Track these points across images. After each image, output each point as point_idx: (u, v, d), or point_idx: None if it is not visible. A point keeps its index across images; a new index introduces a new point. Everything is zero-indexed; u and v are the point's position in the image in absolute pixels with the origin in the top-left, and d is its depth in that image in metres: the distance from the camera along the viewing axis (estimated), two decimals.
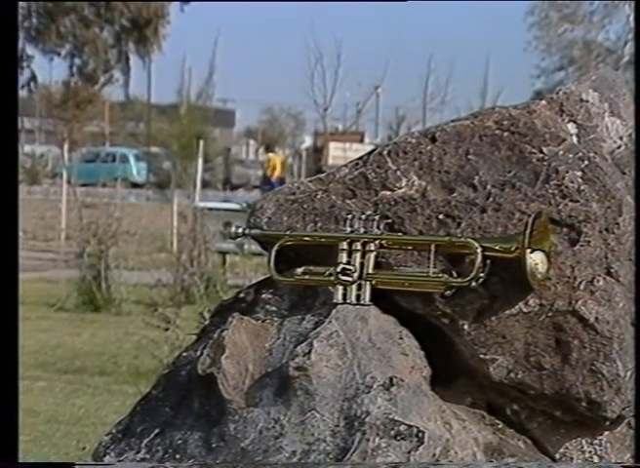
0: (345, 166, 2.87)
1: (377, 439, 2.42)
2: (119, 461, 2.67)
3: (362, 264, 2.63)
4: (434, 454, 2.45)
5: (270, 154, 32.53)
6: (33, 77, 44.16)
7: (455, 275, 2.60)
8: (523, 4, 52.32)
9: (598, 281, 2.61)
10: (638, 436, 2.66)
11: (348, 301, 2.62)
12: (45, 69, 45.42)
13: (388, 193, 2.74)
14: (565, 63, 50.76)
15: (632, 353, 2.62)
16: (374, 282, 2.63)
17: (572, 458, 2.68)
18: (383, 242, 2.65)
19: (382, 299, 2.64)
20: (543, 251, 2.57)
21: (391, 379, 2.50)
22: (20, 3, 40.59)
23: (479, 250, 2.55)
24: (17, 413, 2.99)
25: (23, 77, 43.31)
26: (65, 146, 33.89)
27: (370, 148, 3.02)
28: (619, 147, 2.87)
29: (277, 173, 30.84)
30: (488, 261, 2.56)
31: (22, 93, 46.07)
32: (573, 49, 51.70)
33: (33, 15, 40.69)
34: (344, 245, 2.65)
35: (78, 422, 7.72)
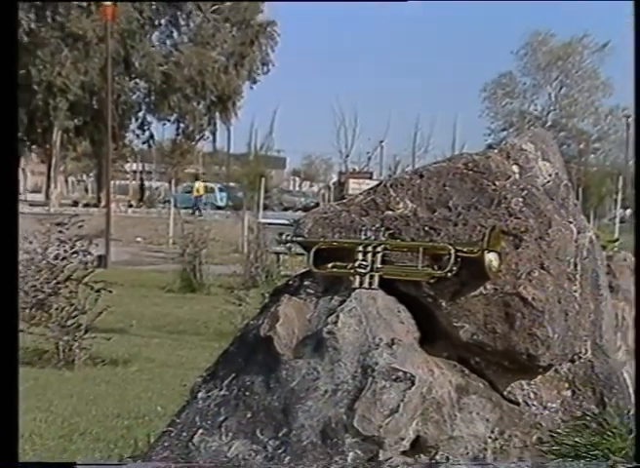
0: (361, 194, 2.84)
1: (382, 381, 2.39)
2: (207, 396, 2.65)
3: (372, 261, 2.60)
4: (422, 392, 2.42)
5: (196, 182, 35.62)
6: (151, 136, 44.32)
7: (436, 268, 2.56)
8: (480, 84, 52.35)
9: (534, 272, 2.57)
10: (638, 436, 2.52)
11: (363, 287, 2.59)
12: (159, 131, 45.70)
13: (390, 212, 2.71)
14: (507, 126, 50.68)
15: (559, 321, 2.58)
16: (381, 273, 2.60)
17: (515, 395, 2.64)
18: (387, 246, 2.63)
19: (386, 285, 2.61)
20: (497, 252, 2.54)
21: (392, 340, 2.47)
22: (143, 84, 40.72)
23: (453, 251, 2.53)
24: (16, 414, 2.36)
25: (145, 136, 43.57)
26: (172, 182, 34.13)
27: (377, 183, 3.00)
28: (548, 182, 2.84)
29: (199, 193, 34.01)
30: (459, 259, 2.53)
31: (144, 147, 46.45)
32: (512, 116, 51.69)
33: (152, 94, 40.91)
34: (360, 248, 2.62)
35: (181, 367, 7.68)
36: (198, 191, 34.56)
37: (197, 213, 29.20)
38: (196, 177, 38.11)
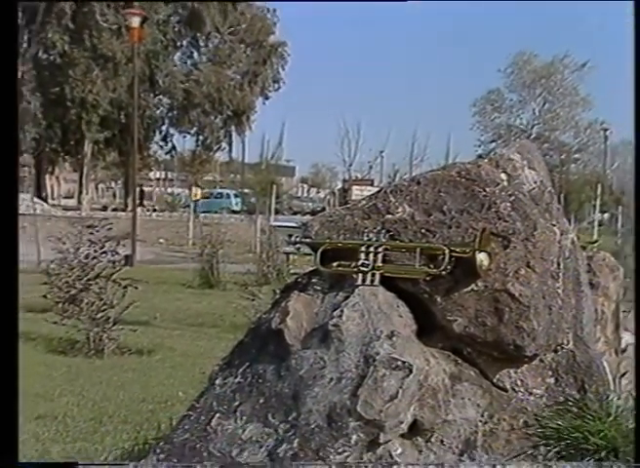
0: (363, 199, 2.84)
1: (383, 370, 2.38)
2: (224, 383, 2.64)
3: (374, 260, 2.60)
4: (419, 380, 2.40)
5: (194, 187, 35.37)
6: (174, 147, 44.36)
7: (432, 267, 2.55)
8: (470, 99, 52.20)
9: (521, 271, 2.56)
10: (638, 436, 2.47)
11: (365, 284, 2.58)
12: (180, 142, 45.48)
13: (390, 216, 2.70)
14: (495, 138, 50.56)
15: (543, 315, 2.57)
16: (381, 271, 2.59)
17: (503, 382, 2.63)
18: (387, 246, 2.62)
19: (387, 282, 2.60)
20: (487, 252, 2.53)
21: (392, 332, 2.46)
22: (166, 100, 40.75)
23: (447, 251, 2.52)
24: (16, 414, 2.17)
25: (167, 147, 43.59)
26: (192, 189, 34.18)
27: (377, 189, 2.99)
28: (533, 188, 2.83)
29: (197, 197, 33.58)
30: (452, 259, 2.52)
31: (167, 157, 46.47)
32: (500, 129, 51.64)
33: (174, 109, 40.94)
34: (363, 248, 2.61)
35: (200, 356, 7.64)
36: (196, 196, 35.16)
37: (195, 213, 29.46)
38: (195, 183, 38.40)
